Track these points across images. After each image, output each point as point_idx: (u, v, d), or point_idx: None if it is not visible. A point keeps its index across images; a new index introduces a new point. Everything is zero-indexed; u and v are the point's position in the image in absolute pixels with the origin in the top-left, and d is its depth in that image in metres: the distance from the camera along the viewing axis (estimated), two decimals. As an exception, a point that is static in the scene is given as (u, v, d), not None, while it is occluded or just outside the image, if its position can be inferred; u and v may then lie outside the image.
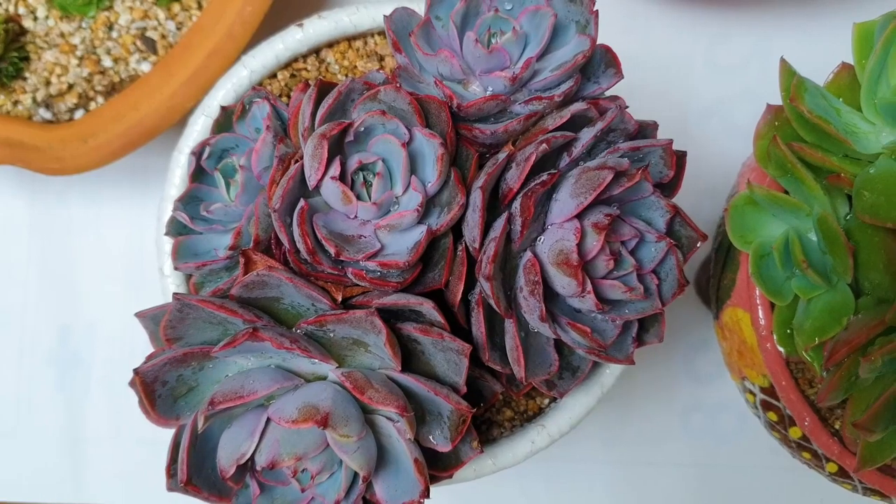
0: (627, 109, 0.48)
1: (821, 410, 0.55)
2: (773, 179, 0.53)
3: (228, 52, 0.60)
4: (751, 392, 0.58)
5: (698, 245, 0.49)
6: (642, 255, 0.47)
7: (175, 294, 0.42)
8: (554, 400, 0.54)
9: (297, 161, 0.45)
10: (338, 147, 0.44)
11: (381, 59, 0.55)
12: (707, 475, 0.75)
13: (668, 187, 0.49)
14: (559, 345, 0.48)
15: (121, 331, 0.73)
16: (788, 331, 0.52)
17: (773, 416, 0.57)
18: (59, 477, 0.74)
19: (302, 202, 0.43)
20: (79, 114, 0.62)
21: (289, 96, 0.54)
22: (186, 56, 0.60)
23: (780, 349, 0.53)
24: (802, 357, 0.50)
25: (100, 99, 0.62)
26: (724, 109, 0.77)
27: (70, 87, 0.62)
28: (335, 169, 0.43)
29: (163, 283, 0.51)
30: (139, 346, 0.71)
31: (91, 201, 0.74)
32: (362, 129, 0.44)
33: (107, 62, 0.62)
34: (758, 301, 0.54)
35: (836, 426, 0.55)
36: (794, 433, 0.56)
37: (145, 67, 0.62)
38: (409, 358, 0.45)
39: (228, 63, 0.60)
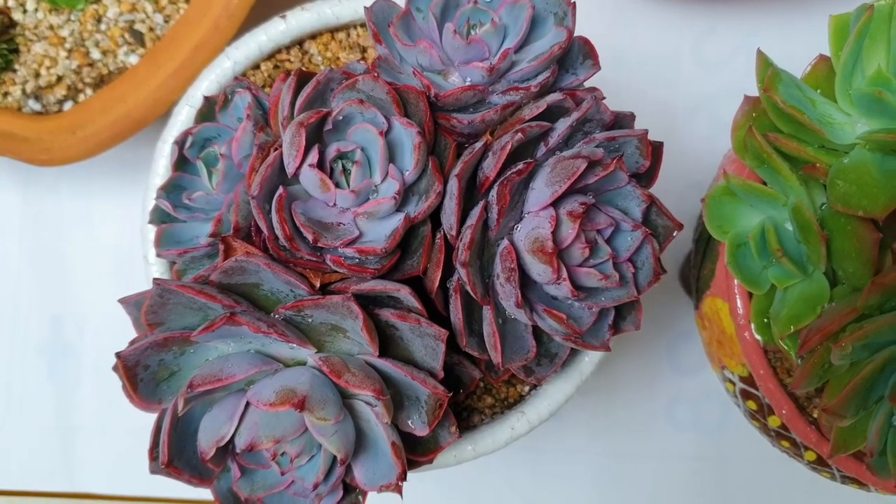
0: (604, 101, 0.49)
1: (798, 399, 0.55)
2: (751, 171, 0.54)
3: (215, 44, 0.60)
4: (730, 381, 0.59)
5: (674, 234, 0.50)
6: (618, 244, 0.47)
7: (155, 279, 0.43)
8: (534, 387, 0.55)
9: (276, 149, 0.45)
10: (316, 135, 0.45)
11: (364, 50, 0.55)
12: (692, 466, 0.75)
13: (644, 177, 0.50)
14: (537, 332, 0.48)
15: (111, 321, 0.74)
16: (766, 320, 0.52)
17: (752, 405, 0.58)
18: (50, 465, 0.74)
19: (280, 189, 0.43)
20: (67, 105, 0.63)
21: (272, 87, 0.54)
22: (173, 48, 0.61)
23: (758, 338, 0.54)
24: (779, 345, 0.51)
25: (88, 91, 0.63)
26: (711, 105, 0.77)
27: (59, 79, 0.63)
28: (313, 157, 0.43)
29: (147, 271, 0.52)
30: (129, 336, 0.71)
31: (82, 194, 0.74)
32: (341, 117, 0.45)
33: (95, 54, 0.62)
34: (736, 290, 0.54)
35: (814, 415, 0.55)
36: (773, 422, 0.56)
37: (133, 60, 0.62)
38: (388, 344, 0.46)
39: (214, 55, 0.60)
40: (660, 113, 0.79)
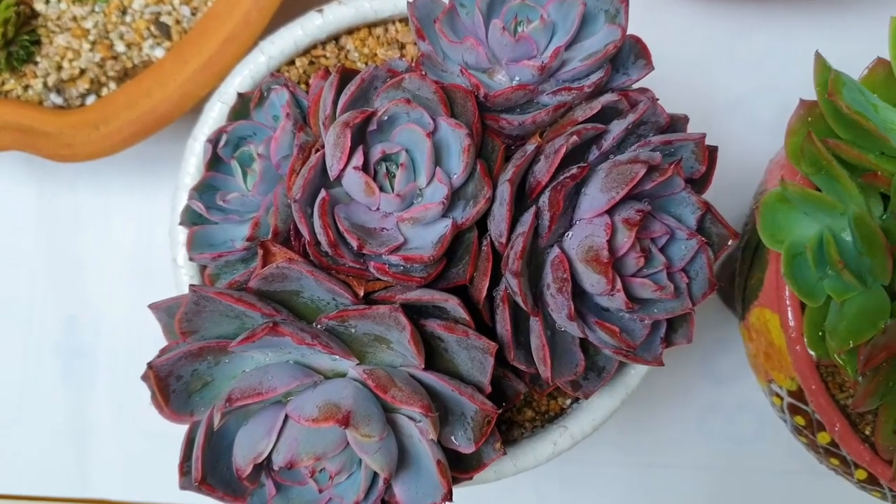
0: (658, 101, 0.47)
1: (851, 415, 0.53)
2: (804, 177, 0.51)
3: (244, 38, 0.58)
4: (777, 395, 0.57)
5: (729, 244, 0.47)
6: (672, 253, 0.45)
7: (192, 286, 0.40)
8: (576, 400, 0.53)
9: (317, 150, 0.43)
10: (360, 136, 0.42)
11: (402, 46, 0.53)
12: (725, 478, 0.73)
13: (698, 183, 0.48)
14: (585, 344, 0.46)
15: (128, 322, 0.72)
16: (820, 333, 0.50)
17: (800, 421, 0.56)
18: (63, 469, 0.72)
19: (323, 192, 0.41)
20: (90, 99, 0.60)
21: (307, 84, 0.52)
22: (201, 42, 0.58)
23: (811, 352, 0.51)
24: (835, 361, 0.48)
25: (112, 85, 0.60)
26: (747, 105, 0.75)
27: (82, 72, 0.60)
28: (358, 159, 0.41)
29: (176, 274, 0.50)
30: (146, 338, 0.68)
31: (101, 190, 0.72)
32: (386, 117, 0.42)
33: (119, 47, 0.60)
34: (787, 302, 0.52)
35: (867, 432, 0.53)
36: (823, 438, 0.54)
37: (159, 53, 0.60)
38: (432, 355, 0.43)
39: (244, 50, 0.58)
40: (695, 113, 0.76)
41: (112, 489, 0.73)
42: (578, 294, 0.44)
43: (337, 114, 0.43)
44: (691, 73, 0.76)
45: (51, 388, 0.72)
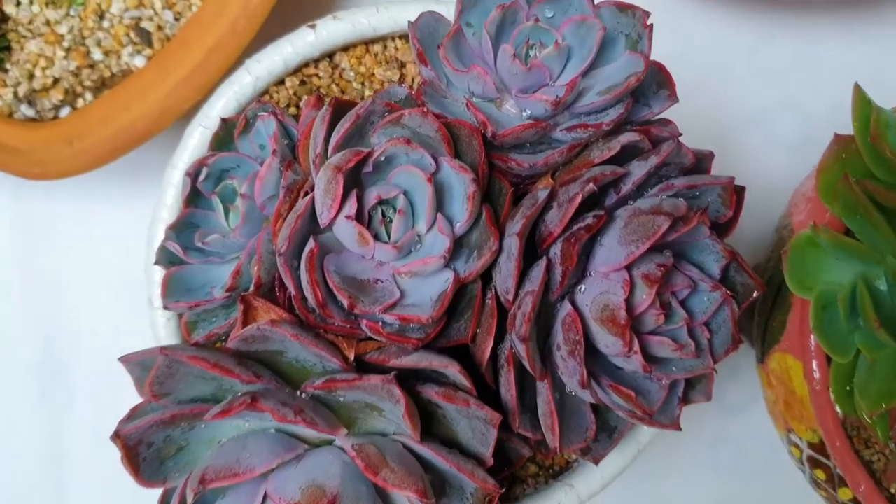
0: (681, 136, 0.43)
1: (876, 472, 0.50)
2: (834, 216, 0.47)
3: (231, 48, 0.54)
4: (796, 446, 0.53)
5: (754, 295, 0.43)
6: (694, 306, 0.41)
7: (162, 349, 0.36)
8: (583, 453, 0.49)
9: (306, 193, 0.39)
10: (354, 179, 0.38)
11: (403, 65, 0.49)
12: (734, 512, 0.70)
13: (722, 227, 0.44)
14: (596, 404, 0.42)
15: (109, 341, 0.68)
16: (848, 388, 0.47)
17: (820, 475, 0.52)
18: (40, 495, 0.69)
19: (311, 243, 0.37)
20: (64, 112, 0.56)
21: (298, 106, 0.48)
22: (184, 51, 0.54)
23: (837, 408, 0.48)
24: (864, 422, 0.45)
25: (88, 95, 0.56)
26: (766, 120, 0.71)
27: (56, 81, 0.56)
28: (351, 207, 0.37)
29: (151, 316, 0.46)
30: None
31: (80, 199, 0.68)
32: (383, 158, 0.38)
33: (97, 55, 0.56)
34: (813, 351, 0.49)
35: (892, 490, 0.49)
36: (844, 494, 0.51)
37: (139, 62, 0.56)
38: (429, 421, 0.40)
39: (231, 61, 0.54)
40: (708, 127, 0.72)
41: (89, 515, 0.69)
42: (590, 353, 0.40)
43: (329, 152, 0.39)
44: (708, 81, 0.72)
45: (26, 409, 0.68)
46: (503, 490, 0.38)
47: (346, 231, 0.37)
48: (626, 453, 0.47)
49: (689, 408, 0.69)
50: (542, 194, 0.39)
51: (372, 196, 0.38)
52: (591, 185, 0.38)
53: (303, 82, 0.48)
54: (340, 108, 0.39)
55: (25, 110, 0.56)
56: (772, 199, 0.63)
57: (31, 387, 0.68)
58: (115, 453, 0.68)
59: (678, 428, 0.42)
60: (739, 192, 0.43)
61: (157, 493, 0.40)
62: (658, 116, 0.44)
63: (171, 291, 0.42)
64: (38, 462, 0.69)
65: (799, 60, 0.71)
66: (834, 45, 0.70)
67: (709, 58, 0.72)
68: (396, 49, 0.49)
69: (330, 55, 0.48)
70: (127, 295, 0.67)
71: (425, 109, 0.38)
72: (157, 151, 0.59)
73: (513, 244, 0.38)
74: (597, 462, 0.43)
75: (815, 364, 0.49)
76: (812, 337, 0.48)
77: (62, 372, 0.68)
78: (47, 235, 0.68)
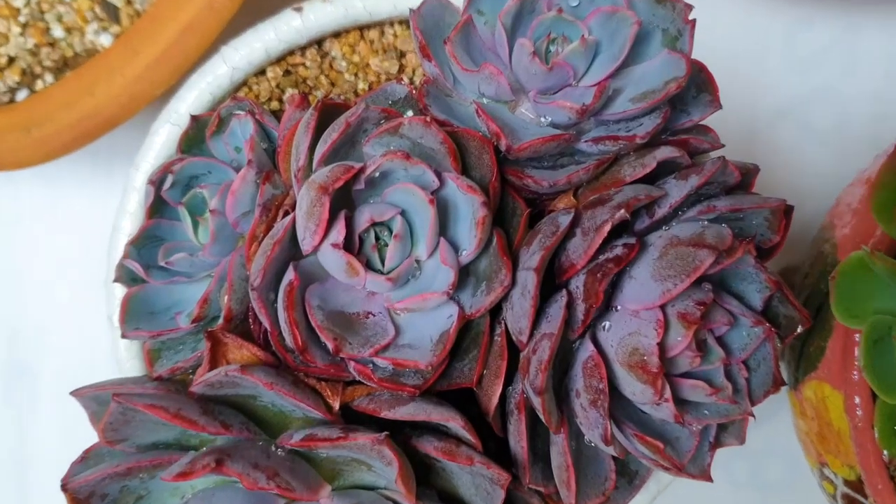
0: (723, 148, 0.37)
1: (918, 515, 0.45)
2: (885, 234, 0.42)
3: (209, 27, 0.47)
4: (830, 482, 0.48)
5: (798, 330, 0.38)
6: (732, 342, 0.36)
7: (115, 395, 0.31)
8: (597, 493, 0.44)
9: (286, 212, 0.33)
10: (342, 197, 0.33)
11: (402, 55, 0.43)
12: (750, 532, 0.66)
13: (766, 252, 0.38)
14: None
15: (77, 339, 0.63)
16: (895, 428, 0.42)
17: (855, 513, 0.47)
18: (3, 499, 0.64)
19: (291, 274, 0.31)
20: (21, 95, 0.50)
21: (281, 100, 0.42)
22: (156, 29, 0.48)
23: (882, 449, 0.43)
24: (915, 468, 0.40)
25: (48, 77, 0.50)
26: (801, 109, 0.65)
27: (11, 60, 0.50)
28: (338, 233, 0.31)
29: (112, 337, 0.40)
30: (98, 357, 0.60)
31: (45, 188, 0.63)
32: (377, 174, 0.32)
33: (57, 32, 0.49)
34: (856, 384, 0.43)
35: (937, 537, 0.45)
36: (882, 537, 0.46)
37: (105, 40, 0.49)
38: (427, 472, 0.34)
39: (208, 41, 0.48)
40: (739, 116, 0.67)
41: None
42: (613, 395, 0.35)
43: (314, 165, 0.33)
44: (739, 66, 0.66)
45: (-11, 410, 0.64)
46: (511, 565, 0.32)
47: (332, 260, 0.32)
48: (645, 496, 0.42)
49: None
50: (563, 220, 0.33)
51: (363, 218, 0.32)
52: (623, 212, 0.32)
53: (287, 72, 0.42)
54: (328, 113, 0.34)
55: (-23, 92, 0.50)
56: (805, 195, 0.58)
57: (-6, 387, 0.63)
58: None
59: (709, 479, 0.37)
60: (788, 213, 0.37)
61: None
62: (697, 124, 0.38)
63: (132, 316, 0.36)
64: (2, 464, 0.64)
65: (836, 47, 0.65)
66: (874, 31, 0.65)
67: (740, 44, 0.66)
68: (395, 36, 0.42)
69: (319, 42, 0.42)
70: (97, 289, 0.62)
71: (428, 118, 0.33)
72: (129, 136, 0.53)
73: (529, 279, 0.32)
74: (615, 515, 0.37)
75: (857, 399, 0.43)
76: (856, 369, 0.43)
77: (26, 372, 0.63)
78: (9, 226, 0.63)
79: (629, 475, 0.39)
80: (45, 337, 0.63)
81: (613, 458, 0.37)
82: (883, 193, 0.41)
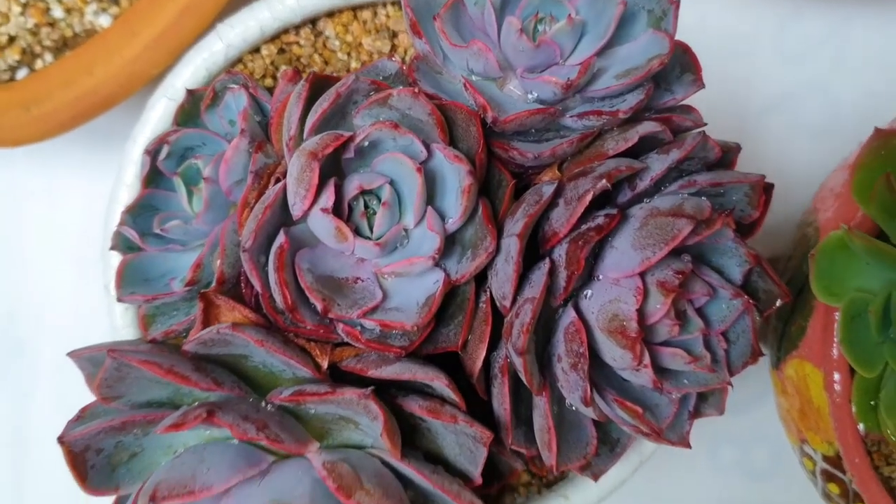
0: (706, 127, 0.38)
1: (894, 490, 0.46)
2: (866, 217, 0.43)
3: (206, 8, 0.48)
4: (810, 458, 0.49)
5: (777, 303, 0.39)
6: (711, 314, 0.37)
7: (110, 350, 0.32)
8: (581, 465, 0.45)
9: (277, 179, 0.34)
10: (332, 165, 0.34)
11: (394, 35, 0.44)
12: (735, 516, 0.67)
13: (746, 228, 0.39)
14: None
15: (74, 318, 0.64)
16: (872, 403, 0.43)
17: (834, 489, 0.48)
18: None
19: (281, 237, 0.32)
20: (21, 74, 0.51)
21: (274, 77, 0.43)
22: (155, 10, 0.49)
23: (859, 423, 0.44)
24: (889, 440, 0.41)
25: (48, 56, 0.51)
26: (789, 103, 0.66)
27: (11, 39, 0.51)
28: (327, 198, 0.32)
29: (108, 304, 0.42)
30: (95, 337, 0.61)
31: (42, 167, 0.63)
32: (366, 143, 0.33)
33: (57, 12, 0.50)
34: (835, 361, 0.44)
35: (913, 511, 0.46)
36: (860, 512, 0.47)
37: (104, 21, 0.50)
38: (412, 433, 0.35)
39: (206, 23, 0.49)
40: (727, 109, 0.67)
41: (48, 499, 0.65)
42: (595, 362, 0.36)
43: (304, 134, 0.34)
44: (730, 58, 0.67)
45: (-14, 388, 0.64)
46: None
47: (321, 225, 0.33)
48: (627, 466, 0.43)
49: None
50: (547, 189, 0.34)
51: (353, 186, 0.34)
52: (604, 181, 0.33)
53: (281, 51, 0.43)
54: (319, 85, 0.35)
55: (-23, 71, 0.51)
56: (793, 188, 0.59)
57: (-9, 365, 0.64)
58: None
59: (687, 445, 0.38)
60: (768, 190, 0.38)
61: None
62: (681, 103, 0.39)
63: (127, 281, 0.37)
64: (-3, 443, 0.65)
65: (827, 40, 0.66)
66: (863, 26, 0.65)
67: (730, 36, 0.67)
68: (388, 17, 0.44)
69: (313, 21, 0.43)
70: (95, 268, 0.63)
71: (417, 90, 0.34)
72: (126, 117, 0.54)
73: (512, 245, 0.33)
74: (596, 478, 0.39)
75: (836, 375, 0.44)
76: (835, 346, 0.44)
77: (24, 352, 0.64)
78: (7, 205, 0.64)
79: (611, 443, 0.40)
80: (44, 315, 0.64)
81: (595, 425, 0.38)
82: (863, 174, 0.42)
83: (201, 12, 0.48)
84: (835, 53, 0.65)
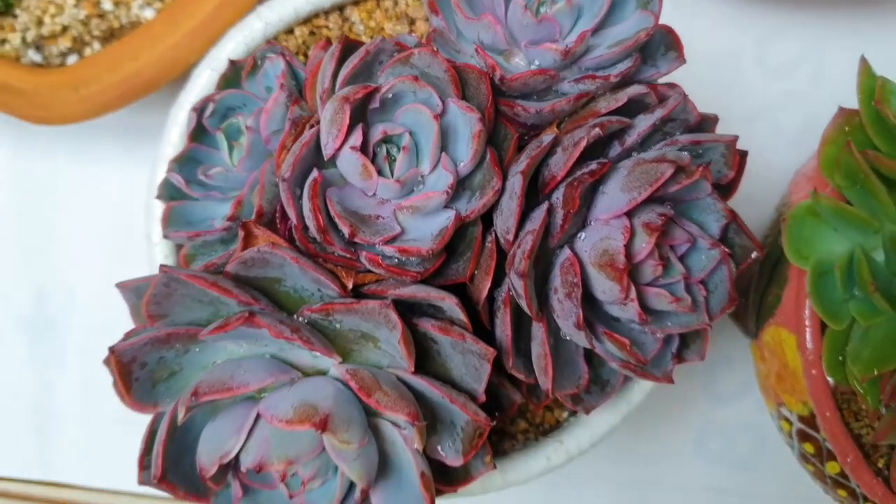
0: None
1: (864, 446, 0.50)
2: (835, 190, 0.48)
3: (241, 3, 0.54)
4: (786, 420, 0.53)
5: (753, 256, 0.44)
6: (692, 263, 0.42)
7: (162, 266, 0.36)
8: (574, 413, 0.49)
9: (312, 126, 0.39)
10: (360, 114, 0.39)
11: (413, 22, 0.49)
12: (720, 500, 0.70)
13: (724, 189, 0.44)
14: (589, 355, 0.42)
15: (102, 298, 0.67)
16: (840, 358, 0.47)
17: (809, 448, 0.52)
18: (24, 451, 0.68)
19: (315, 172, 0.37)
20: (72, 59, 0.56)
21: (306, 55, 0.48)
22: (194, 4, 0.54)
23: (828, 378, 0.48)
24: (854, 388, 0.45)
25: (96, 45, 0.56)
26: (770, 113, 0.71)
27: (64, 29, 0.56)
28: (356, 138, 0.37)
29: (150, 252, 0.46)
30: (121, 316, 0.65)
31: (80, 156, 0.68)
32: (390, 95, 0.38)
33: (107, 5, 0.56)
34: (807, 322, 0.49)
35: (880, 465, 0.50)
36: (832, 468, 0.51)
37: (149, 14, 0.56)
38: (424, 357, 0.40)
39: (240, 15, 0.54)
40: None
41: (73, 473, 0.68)
42: (588, 300, 0.41)
43: (336, 88, 0.39)
44: (715, 72, 0.72)
45: (15, 363, 0.68)
46: (493, 423, 0.37)
47: (349, 163, 0.38)
48: (616, 412, 0.47)
49: (677, 395, 0.70)
50: (546, 138, 0.39)
51: (377, 131, 0.38)
52: (597, 130, 0.38)
53: (312, 32, 0.48)
54: (349, 47, 0.40)
55: (32, 55, 0.56)
56: (773, 187, 0.64)
57: (21, 341, 0.68)
58: (102, 411, 0.68)
59: (671, 381, 0.42)
60: (742, 154, 0.43)
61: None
62: (665, 78, 0.44)
63: (172, 222, 0.42)
64: (23, 416, 0.68)
65: (806, 56, 0.72)
66: (842, 42, 0.71)
67: (715, 51, 0.72)
68: (408, 5, 0.49)
69: (341, 8, 0.49)
70: (123, 252, 0.68)
71: (435, 48, 0.39)
72: (158, 115, 0.60)
73: (516, 183, 0.38)
74: (588, 412, 0.43)
75: (808, 335, 0.49)
76: (807, 309, 0.49)
77: (53, 327, 0.68)
78: (45, 190, 0.68)
79: (601, 383, 0.44)
80: (73, 295, 0.68)
81: (587, 362, 0.43)
82: (830, 149, 0.47)
83: (237, 5, 0.54)
84: (813, 67, 0.70)
